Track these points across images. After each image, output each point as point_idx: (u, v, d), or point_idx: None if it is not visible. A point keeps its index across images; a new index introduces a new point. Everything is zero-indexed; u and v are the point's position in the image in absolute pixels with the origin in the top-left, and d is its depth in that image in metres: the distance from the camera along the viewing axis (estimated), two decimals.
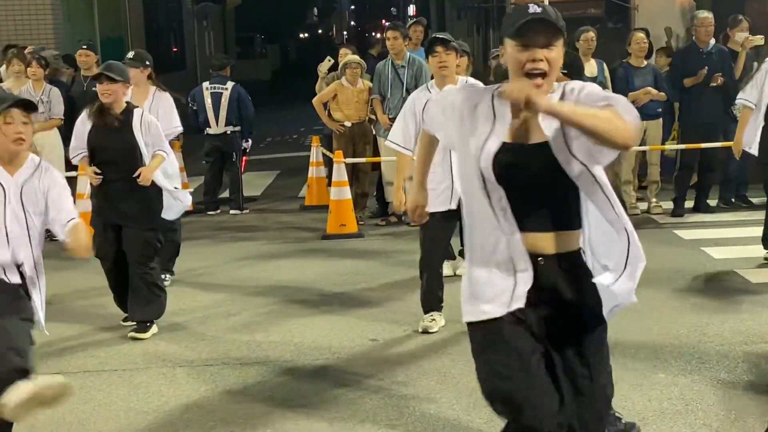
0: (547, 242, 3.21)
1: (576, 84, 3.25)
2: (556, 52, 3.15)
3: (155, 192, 6.77)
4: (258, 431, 5.00)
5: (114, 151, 6.65)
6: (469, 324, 3.33)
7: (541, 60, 3.12)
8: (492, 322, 3.24)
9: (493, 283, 3.24)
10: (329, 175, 10.96)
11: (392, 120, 9.96)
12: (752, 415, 4.92)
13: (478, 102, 3.27)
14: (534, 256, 3.20)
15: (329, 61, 11.14)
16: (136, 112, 6.70)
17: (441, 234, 6.43)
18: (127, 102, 6.74)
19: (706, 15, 10.31)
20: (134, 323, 6.73)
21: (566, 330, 3.25)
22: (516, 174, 3.17)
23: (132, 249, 6.71)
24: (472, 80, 6.39)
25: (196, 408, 5.35)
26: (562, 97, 3.20)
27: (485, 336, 3.26)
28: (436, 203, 5.94)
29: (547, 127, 3.15)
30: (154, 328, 6.73)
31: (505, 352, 3.20)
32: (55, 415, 5.26)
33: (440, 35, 6.04)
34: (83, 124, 6.76)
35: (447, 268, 7.29)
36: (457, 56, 5.98)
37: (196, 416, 5.24)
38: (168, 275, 8.15)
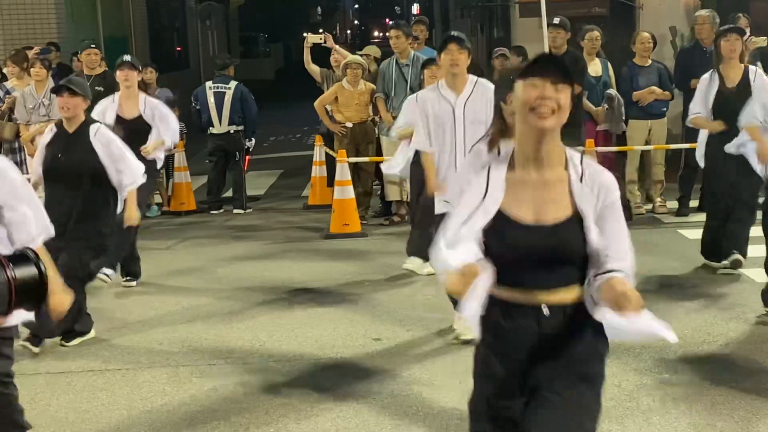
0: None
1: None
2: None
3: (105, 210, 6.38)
4: (260, 430, 5.00)
5: (62, 168, 6.28)
6: None
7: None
8: None
9: None
10: (329, 175, 10.93)
11: (396, 119, 9.99)
12: (757, 414, 4.91)
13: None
14: None
15: (320, 39, 11.00)
16: (92, 129, 6.32)
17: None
18: (86, 117, 6.44)
19: (704, 13, 10.27)
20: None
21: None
22: None
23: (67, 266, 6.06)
24: (483, 81, 6.28)
25: (199, 407, 5.35)
26: None
27: None
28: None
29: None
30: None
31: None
32: (58, 414, 5.26)
33: (455, 34, 6.02)
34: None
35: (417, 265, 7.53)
36: (469, 57, 5.95)
37: (199, 415, 5.23)
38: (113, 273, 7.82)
